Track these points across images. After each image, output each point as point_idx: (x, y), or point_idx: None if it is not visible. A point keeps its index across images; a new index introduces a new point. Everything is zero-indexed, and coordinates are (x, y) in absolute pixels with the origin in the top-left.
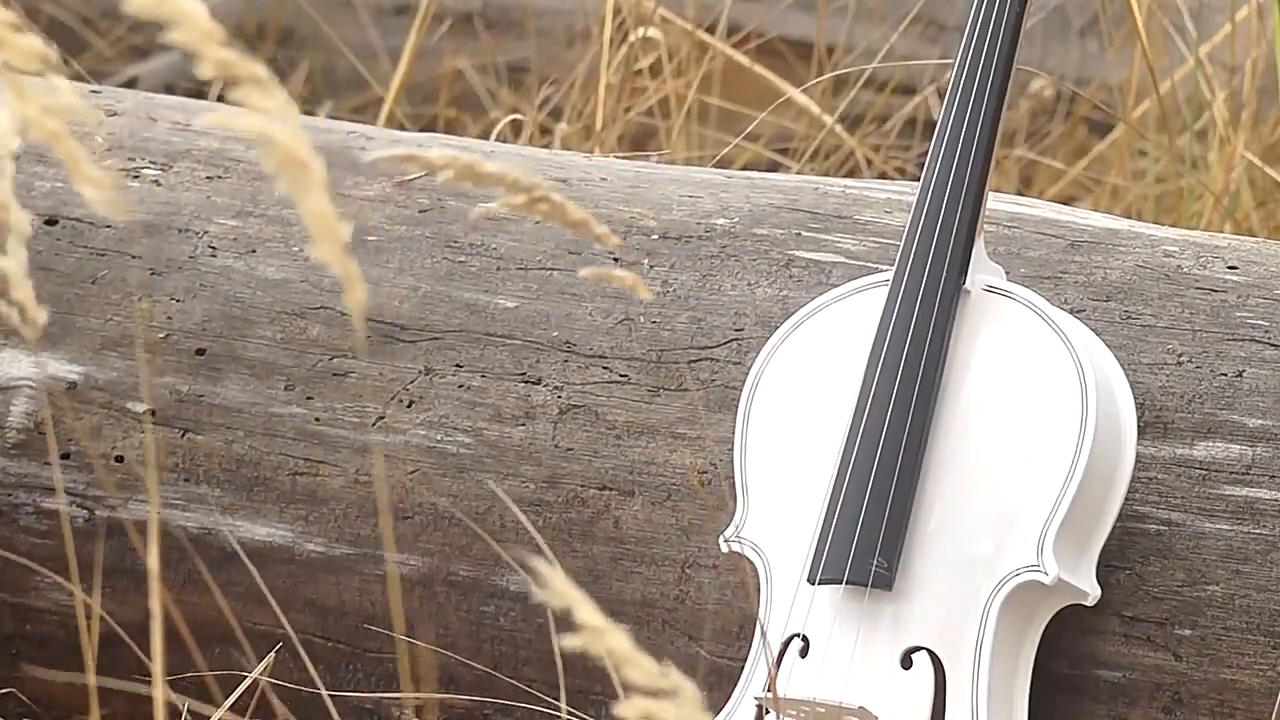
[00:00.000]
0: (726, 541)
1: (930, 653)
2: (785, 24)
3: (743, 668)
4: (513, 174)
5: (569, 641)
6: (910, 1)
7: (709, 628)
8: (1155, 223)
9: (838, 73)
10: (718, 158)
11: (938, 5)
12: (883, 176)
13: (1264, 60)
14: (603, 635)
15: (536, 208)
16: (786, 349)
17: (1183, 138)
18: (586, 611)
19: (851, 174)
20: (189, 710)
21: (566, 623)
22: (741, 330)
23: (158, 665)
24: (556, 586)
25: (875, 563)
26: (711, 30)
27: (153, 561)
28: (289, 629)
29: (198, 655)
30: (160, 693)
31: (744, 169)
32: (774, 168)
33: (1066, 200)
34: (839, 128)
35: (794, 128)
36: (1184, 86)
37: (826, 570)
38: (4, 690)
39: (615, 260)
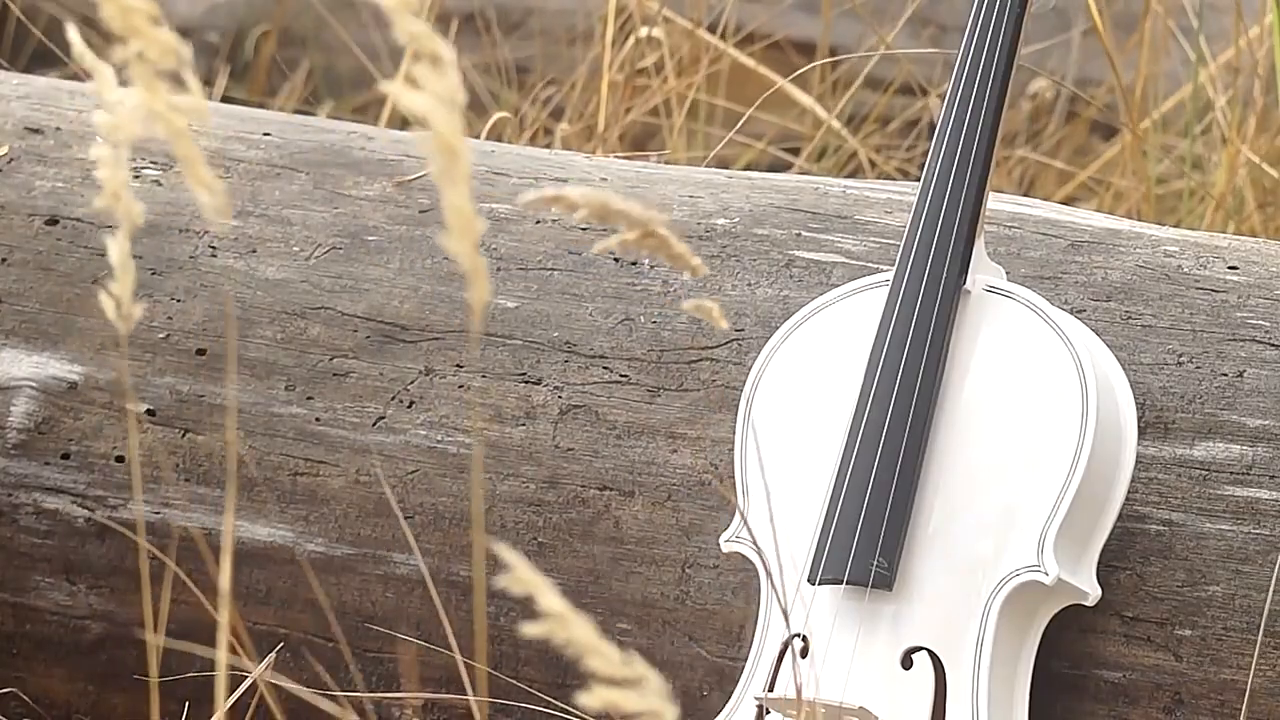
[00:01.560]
0: (727, 541)
1: (930, 653)
2: (788, 24)
3: (743, 668)
4: (634, 212)
5: (531, 629)
6: (913, 2)
7: (709, 628)
8: (1156, 224)
9: (835, 59)
10: (712, 156)
11: (939, 5)
12: (885, 177)
13: (1267, 61)
14: (566, 623)
15: (646, 242)
16: (787, 349)
17: (1186, 140)
18: (549, 598)
19: (854, 175)
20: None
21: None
22: (742, 330)
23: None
24: (518, 573)
25: (875, 563)
26: (713, 30)
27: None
28: (289, 629)
29: (198, 655)
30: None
31: (746, 169)
32: (775, 168)
33: (1068, 201)
34: (842, 128)
35: (797, 128)
36: (1186, 85)
37: (827, 570)
38: (4, 690)
39: (615, 260)
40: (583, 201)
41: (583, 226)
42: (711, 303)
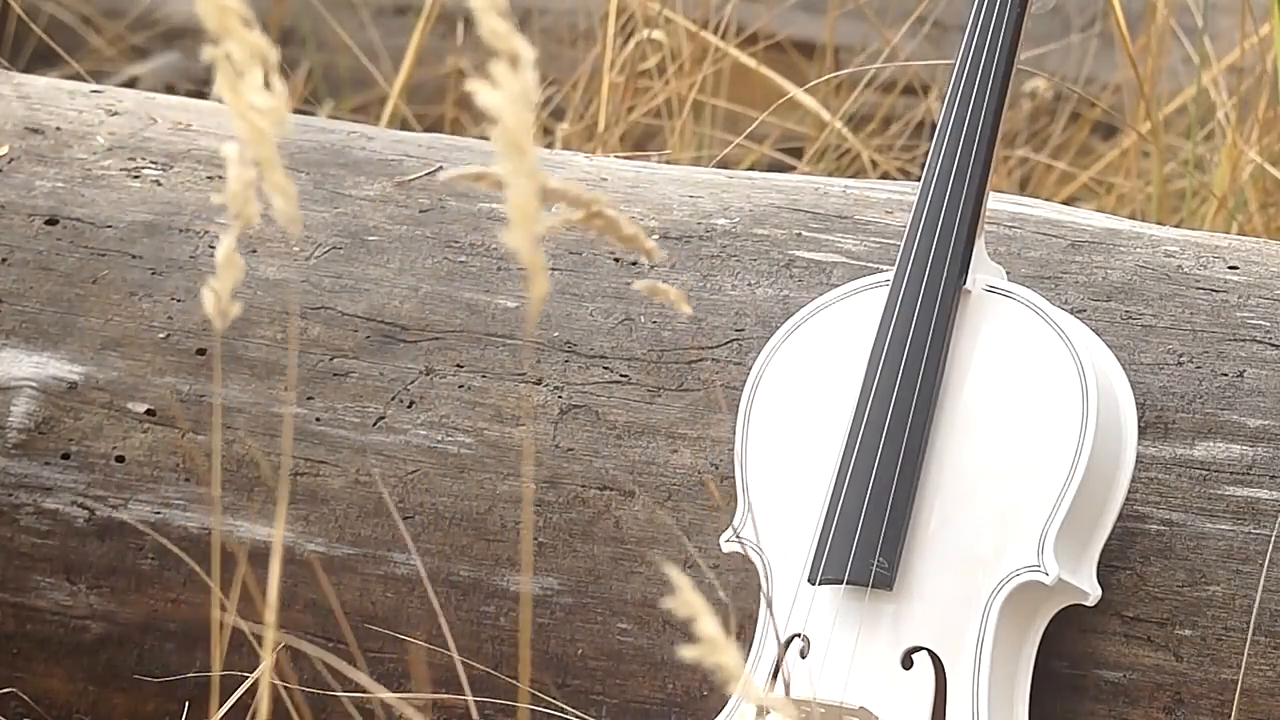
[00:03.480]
0: (727, 541)
1: (931, 653)
2: (790, 25)
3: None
4: (573, 190)
5: (687, 652)
6: (915, 3)
7: None
8: (1157, 224)
9: (861, 68)
10: (719, 158)
11: (941, 6)
12: (886, 177)
13: (1271, 62)
14: (718, 649)
15: (593, 223)
16: (787, 349)
17: (1188, 141)
18: (708, 624)
19: (857, 175)
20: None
21: (568, 623)
22: (742, 330)
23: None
24: (684, 597)
25: (876, 563)
26: (715, 30)
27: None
28: (289, 629)
29: (198, 655)
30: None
31: (748, 169)
32: (775, 169)
33: (1068, 202)
34: (844, 129)
35: (799, 129)
36: (1188, 85)
37: (827, 570)
38: (4, 690)
39: (615, 260)
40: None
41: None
42: (666, 285)
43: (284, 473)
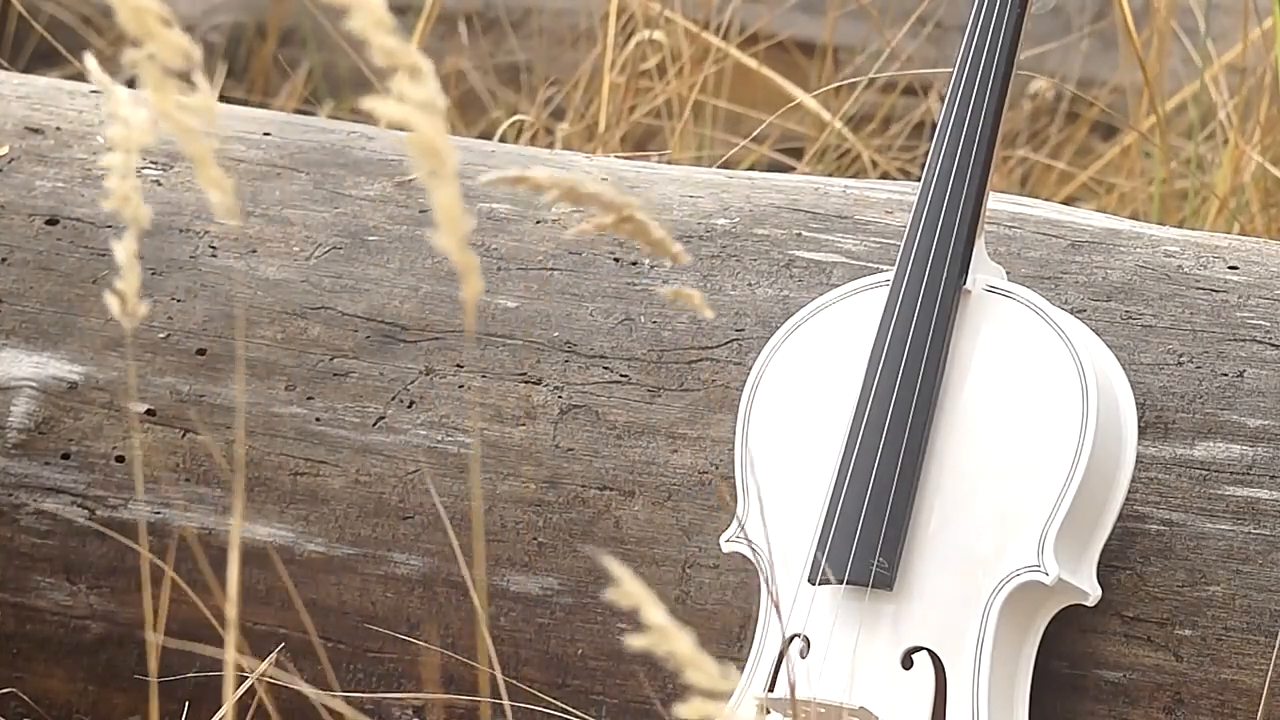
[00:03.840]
0: (727, 541)
1: (931, 653)
2: (790, 25)
3: (743, 668)
4: (607, 195)
5: (636, 641)
6: (916, 3)
7: (709, 628)
8: (1158, 224)
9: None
10: (721, 160)
11: (942, 6)
12: (886, 177)
13: (1272, 61)
14: (668, 637)
15: (623, 227)
16: (787, 349)
17: (1190, 141)
18: (654, 612)
19: (857, 176)
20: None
21: (568, 623)
22: (742, 330)
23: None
24: (626, 586)
25: (876, 563)
26: (715, 30)
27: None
28: (289, 629)
29: (198, 655)
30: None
31: (749, 169)
32: (775, 169)
33: (1068, 202)
34: (845, 129)
35: (800, 130)
36: (1189, 85)
37: (827, 570)
38: (4, 690)
39: (615, 260)
40: (550, 183)
41: None
42: (693, 290)
43: (239, 464)
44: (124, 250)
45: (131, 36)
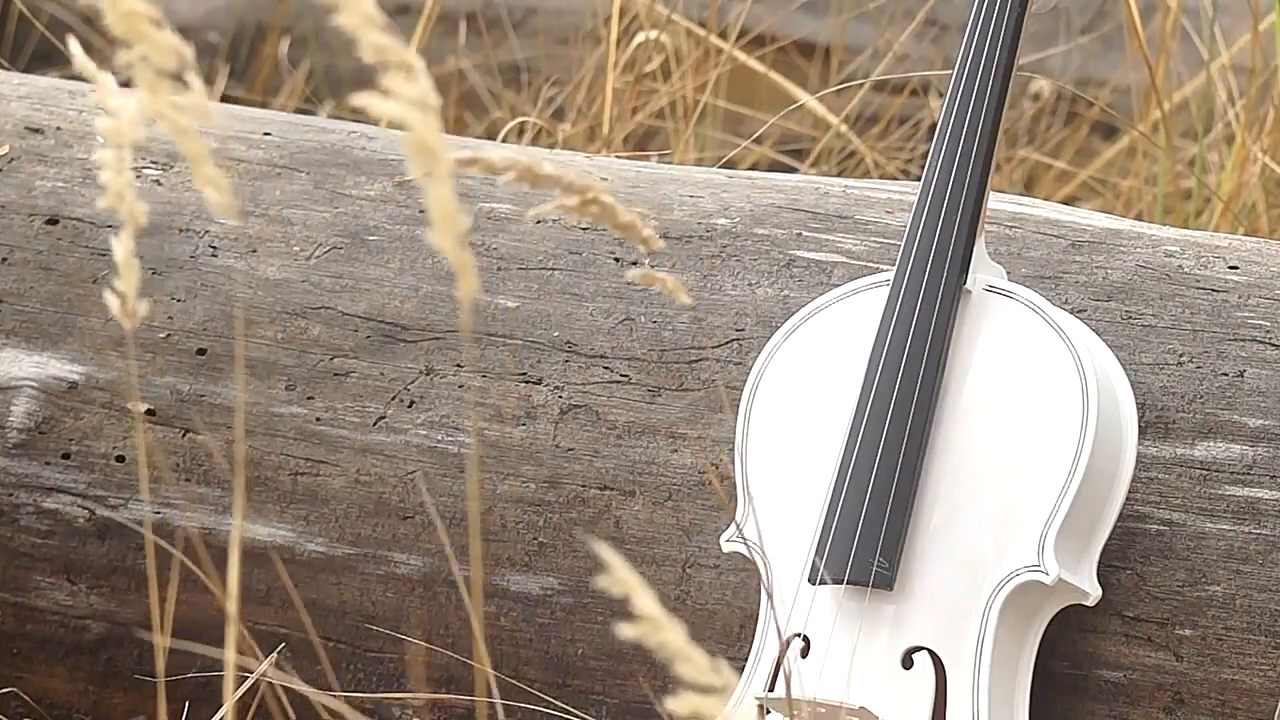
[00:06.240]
0: (728, 541)
1: (931, 653)
2: (791, 25)
3: (743, 668)
4: (568, 177)
5: (626, 631)
6: (918, 3)
7: (709, 628)
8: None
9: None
10: (723, 161)
11: (944, 6)
12: (886, 177)
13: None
14: (659, 627)
15: (588, 210)
16: (787, 349)
17: (1194, 141)
18: (645, 601)
19: (859, 177)
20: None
21: (568, 623)
22: (742, 330)
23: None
24: (617, 574)
25: (876, 562)
26: (717, 32)
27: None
28: (289, 629)
29: (198, 655)
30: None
31: (750, 169)
32: (778, 170)
33: (1069, 202)
34: (846, 130)
35: (801, 130)
36: (1193, 85)
37: (827, 570)
38: (4, 690)
39: (615, 260)
40: (505, 164)
41: (583, 226)
42: (663, 274)
43: (239, 464)
44: (121, 248)
45: (122, 38)
